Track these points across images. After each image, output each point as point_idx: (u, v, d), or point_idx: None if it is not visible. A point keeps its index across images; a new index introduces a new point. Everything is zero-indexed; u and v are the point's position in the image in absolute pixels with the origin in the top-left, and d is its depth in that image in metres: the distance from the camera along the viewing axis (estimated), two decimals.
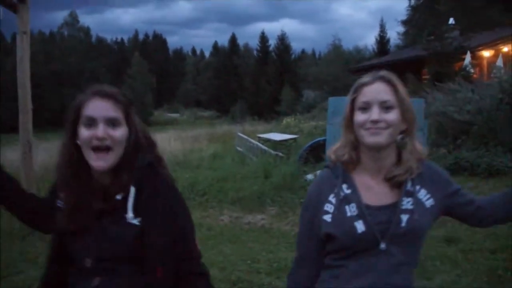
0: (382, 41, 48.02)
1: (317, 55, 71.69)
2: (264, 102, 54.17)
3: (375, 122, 1.44)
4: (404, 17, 35.46)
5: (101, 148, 1.42)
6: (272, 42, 65.30)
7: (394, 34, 50.80)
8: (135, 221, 1.45)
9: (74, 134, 1.47)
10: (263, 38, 65.18)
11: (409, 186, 1.49)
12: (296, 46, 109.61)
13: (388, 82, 1.49)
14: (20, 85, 5.25)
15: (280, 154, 9.84)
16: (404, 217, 1.44)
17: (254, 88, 58.35)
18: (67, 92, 51.44)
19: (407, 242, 1.46)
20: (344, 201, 1.49)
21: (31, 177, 5.34)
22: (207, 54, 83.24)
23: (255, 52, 66.66)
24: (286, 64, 60.45)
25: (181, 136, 17.52)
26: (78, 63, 51.81)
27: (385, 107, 1.46)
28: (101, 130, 1.41)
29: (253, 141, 12.24)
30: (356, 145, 1.53)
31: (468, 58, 14.79)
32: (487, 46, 17.34)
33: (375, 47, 48.18)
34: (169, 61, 77.57)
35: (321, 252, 1.56)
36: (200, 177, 8.20)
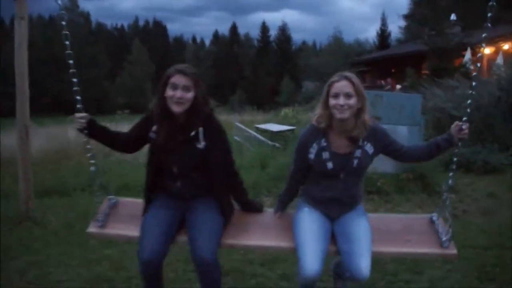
0: (383, 34, 47.95)
1: (317, 47, 71.33)
2: (264, 92, 54.12)
3: (341, 105, 2.45)
4: (405, 11, 35.29)
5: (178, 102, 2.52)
6: (273, 33, 65.14)
7: (396, 28, 50.54)
8: (202, 146, 2.61)
9: (165, 88, 2.54)
10: (264, 28, 65.02)
11: (360, 142, 2.57)
12: (296, 37, 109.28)
13: (350, 80, 2.48)
14: (17, 70, 5.23)
15: (277, 145, 9.87)
16: (355, 161, 2.58)
17: (254, 78, 58.25)
18: (66, 77, 51.26)
19: (355, 175, 2.65)
20: (321, 148, 2.59)
21: (27, 161, 5.35)
22: (207, 42, 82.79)
23: (255, 42, 66.44)
24: (286, 54, 60.34)
25: None
26: (77, 49, 51.50)
27: (348, 96, 2.46)
28: (179, 93, 2.52)
29: (251, 131, 12.26)
30: (330, 116, 2.55)
31: (468, 54, 14.77)
32: (487, 43, 17.30)
33: (376, 40, 48.04)
34: (169, 48, 77.13)
35: (306, 168, 2.70)
36: None
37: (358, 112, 2.52)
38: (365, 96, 2.53)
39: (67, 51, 2.77)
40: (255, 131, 12.44)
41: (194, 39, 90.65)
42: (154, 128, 2.65)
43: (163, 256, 2.57)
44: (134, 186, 6.25)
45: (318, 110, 2.61)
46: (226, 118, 24.23)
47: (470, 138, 8.82)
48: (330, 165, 2.59)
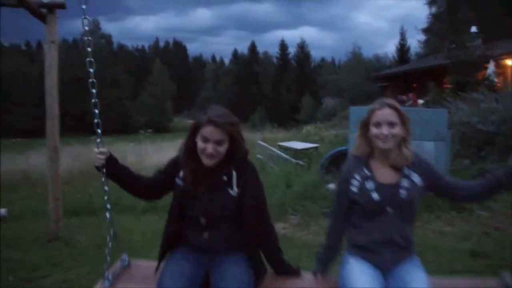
0: (403, 49, 47.60)
1: (336, 63, 71.38)
2: (284, 109, 54.21)
3: (385, 135, 2.27)
4: (424, 25, 35.04)
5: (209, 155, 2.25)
6: (292, 50, 65.41)
7: (415, 42, 50.22)
8: (234, 193, 2.31)
9: (195, 135, 2.29)
10: (283, 46, 65.37)
11: (406, 170, 2.32)
12: (315, 54, 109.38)
13: (393, 107, 2.31)
14: (47, 92, 5.35)
15: (301, 162, 9.82)
16: (403, 192, 2.28)
17: (274, 96, 58.46)
18: (88, 99, 52.31)
19: (405, 209, 2.31)
20: (365, 178, 2.34)
21: (57, 181, 5.44)
22: (226, 61, 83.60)
23: (274, 60, 66.80)
24: (305, 72, 60.44)
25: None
26: (100, 70, 52.57)
27: (391, 124, 2.27)
28: (211, 149, 2.23)
29: (273, 149, 12.23)
30: (370, 144, 2.37)
31: (491, 67, 14.57)
32: (511, 54, 17.08)
33: (395, 55, 47.79)
34: (189, 68, 78.13)
35: (348, 210, 2.40)
36: None
37: (402, 140, 2.31)
38: (409, 124, 2.33)
39: (90, 80, 2.58)
40: (278, 149, 12.42)
41: (213, 58, 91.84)
42: (181, 173, 2.38)
43: None
44: (161, 206, 6.29)
45: (357, 139, 2.42)
46: (248, 136, 24.16)
47: (498, 152, 8.68)
48: (375, 196, 2.29)
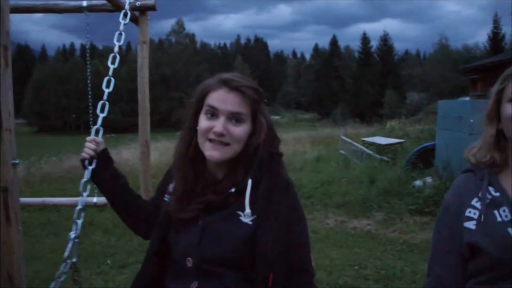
0: (496, 38, 44.58)
1: (421, 56, 68.61)
2: (366, 104, 53.03)
3: None
4: None
5: (217, 142, 1.30)
6: (374, 43, 63.76)
7: (510, 29, 46.88)
8: (248, 220, 1.28)
9: (196, 120, 1.36)
10: (365, 39, 63.87)
11: None
12: (399, 47, 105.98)
13: None
14: (140, 90, 5.61)
15: (386, 158, 9.55)
16: None
17: (356, 91, 57.35)
18: (174, 95, 54.56)
19: None
20: (492, 204, 1.23)
21: (147, 174, 5.72)
22: (307, 56, 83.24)
23: (356, 54, 65.49)
24: (389, 65, 58.65)
25: (282, 138, 17.69)
26: (184, 68, 54.57)
27: None
28: (220, 125, 1.28)
29: (357, 144, 12.01)
30: (501, 143, 1.27)
31: None
32: None
33: (487, 45, 44.91)
34: (270, 64, 78.72)
35: (463, 273, 1.27)
36: (304, 179, 8.21)
37: None
38: None
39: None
40: (361, 144, 12.17)
41: (294, 53, 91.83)
42: (171, 186, 1.46)
43: None
44: None
45: (483, 136, 1.32)
46: (330, 131, 24.07)
47: None
48: None
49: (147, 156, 5.75)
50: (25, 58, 73.05)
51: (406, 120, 20.32)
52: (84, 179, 1.67)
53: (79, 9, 5.33)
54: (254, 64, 69.77)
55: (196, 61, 58.24)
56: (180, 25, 59.83)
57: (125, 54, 64.40)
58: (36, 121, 62.42)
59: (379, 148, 11.23)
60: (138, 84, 5.68)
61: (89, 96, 5.11)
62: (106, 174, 1.61)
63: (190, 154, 1.36)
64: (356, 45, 68.20)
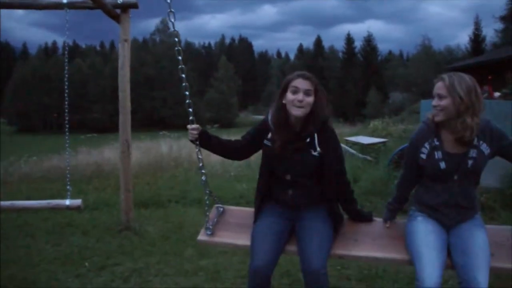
0: (477, 39, 45.17)
1: (404, 57, 69.19)
2: (350, 104, 53.31)
3: (434, 106, 2.47)
4: (502, 13, 32.93)
5: (298, 106, 2.48)
6: (358, 44, 64.11)
7: (491, 31, 47.41)
8: (316, 153, 2.52)
9: (283, 95, 2.54)
10: (349, 39, 64.21)
11: (475, 141, 2.41)
12: (382, 48, 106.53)
13: (444, 81, 2.46)
14: (121, 88, 5.53)
15: (369, 158, 9.56)
16: (470, 161, 2.43)
17: (340, 90, 57.59)
18: (158, 95, 54.20)
19: (470, 176, 2.48)
20: (434, 148, 2.49)
21: (128, 174, 5.62)
22: (292, 56, 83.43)
23: (340, 54, 65.79)
24: (372, 65, 59.03)
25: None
26: (168, 68, 54.23)
27: (440, 97, 2.44)
28: (301, 96, 2.48)
29: (341, 144, 11.99)
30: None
31: None
32: None
33: (468, 46, 45.48)
34: (254, 64, 78.67)
35: (417, 172, 2.60)
36: None
37: (465, 112, 2.35)
38: (471, 95, 2.36)
39: (180, 66, 2.73)
40: (344, 143, 12.17)
41: (278, 53, 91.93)
42: (269, 135, 2.62)
43: (273, 266, 2.50)
44: (228, 199, 6.38)
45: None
46: None
47: None
48: (442, 165, 2.46)
49: (128, 156, 5.66)
50: (6, 56, 71.72)
51: (389, 120, 20.42)
52: (197, 150, 2.75)
53: (59, 6, 5.21)
54: (239, 64, 69.75)
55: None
56: (165, 24, 59.40)
57: (109, 53, 63.95)
58: (17, 120, 61.44)
59: (362, 148, 11.23)
60: (119, 83, 5.58)
61: (66, 95, 5.00)
62: (207, 141, 2.72)
63: (282, 119, 2.55)
64: (340, 45, 68.49)
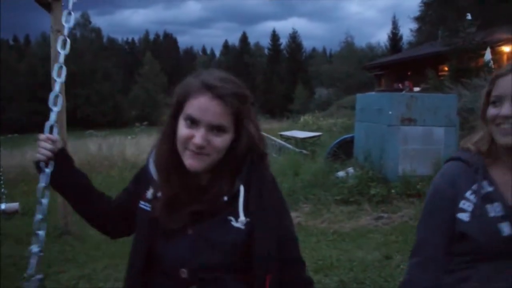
0: (395, 38, 47.52)
1: (328, 53, 71.28)
2: (276, 100, 54.10)
3: (505, 117, 1.26)
4: (416, 14, 35.02)
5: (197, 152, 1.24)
6: (283, 41, 65.21)
7: (406, 31, 50.11)
8: (240, 224, 1.26)
9: (175, 123, 1.28)
10: (274, 36, 65.11)
11: None
12: (305, 45, 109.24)
13: None
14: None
15: (305, 152, 9.75)
16: None
17: (266, 87, 58.31)
18: (81, 93, 51.76)
19: None
20: (486, 199, 1.31)
21: None
22: (217, 53, 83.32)
23: (266, 51, 66.58)
24: (297, 62, 60.32)
25: None
26: (90, 63, 52.08)
27: None
28: (200, 137, 1.21)
29: (275, 139, 12.14)
30: (491, 138, 1.34)
31: (488, 53, 14.56)
32: (507, 41, 17.11)
33: (387, 44, 47.74)
34: (180, 60, 77.59)
35: (448, 255, 1.37)
36: None
37: None
38: None
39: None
40: (279, 138, 12.33)
41: (204, 50, 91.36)
42: (149, 192, 1.35)
43: None
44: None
45: (479, 134, 1.41)
46: None
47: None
48: (507, 228, 1.27)
49: None
50: None
51: (319, 114, 20.98)
52: (42, 184, 1.47)
53: None
54: (164, 60, 68.35)
55: (103, 57, 55.85)
56: (85, 19, 56.96)
57: (23, 47, 60.22)
58: None
59: (297, 142, 11.45)
60: (52, 78, 5.23)
61: None
62: (66, 176, 1.48)
63: (172, 159, 1.28)
64: (265, 42, 69.39)
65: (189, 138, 1.22)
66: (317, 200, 6.33)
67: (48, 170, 1.45)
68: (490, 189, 1.32)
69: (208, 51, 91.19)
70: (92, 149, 12.41)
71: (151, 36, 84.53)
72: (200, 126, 1.22)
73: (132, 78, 60.97)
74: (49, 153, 1.45)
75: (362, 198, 6.14)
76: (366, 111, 7.66)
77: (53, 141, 1.47)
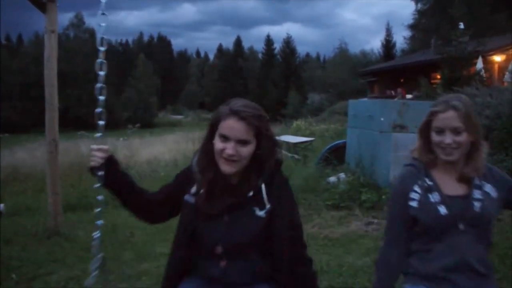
0: (388, 45, 47.77)
1: (321, 59, 71.58)
2: (269, 104, 54.08)
3: (448, 144, 1.84)
4: (410, 22, 35.31)
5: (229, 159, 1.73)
6: (277, 46, 65.35)
7: (400, 38, 50.48)
8: (262, 214, 1.77)
9: (213, 134, 1.78)
10: (269, 41, 65.26)
11: (477, 181, 1.90)
12: (299, 50, 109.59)
13: (459, 111, 1.83)
14: (47, 83, 5.19)
15: (297, 156, 9.76)
16: (476, 203, 1.85)
17: (259, 91, 58.35)
18: (72, 92, 51.48)
19: (480, 224, 1.86)
20: (427, 190, 1.90)
21: (55, 176, 5.28)
22: (211, 56, 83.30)
23: (260, 55, 66.68)
24: (291, 67, 60.43)
25: (189, 137, 17.46)
26: (83, 64, 51.86)
27: (456, 132, 1.83)
28: (231, 149, 1.70)
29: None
30: (431, 149, 1.93)
31: (480, 62, 14.70)
32: (498, 50, 17.31)
33: (381, 51, 47.97)
34: (173, 63, 77.54)
35: (408, 235, 1.95)
36: None
37: (474, 149, 1.89)
38: (479, 128, 1.89)
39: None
40: None
41: (198, 53, 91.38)
42: (193, 189, 1.83)
43: None
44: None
45: (417, 142, 2.00)
46: None
47: (493, 146, 8.72)
48: (442, 209, 1.85)
49: (55, 156, 5.31)
50: None
51: (311, 120, 21.03)
52: (97, 185, 1.85)
53: None
54: (158, 62, 68.34)
55: (96, 57, 55.55)
56: (79, 19, 56.71)
57: (16, 47, 59.91)
58: None
59: (289, 147, 11.45)
60: (46, 77, 5.22)
61: None
62: (116, 177, 1.87)
63: (210, 164, 1.78)
64: (259, 46, 69.41)
65: (223, 149, 1.72)
66: (308, 205, 6.34)
67: (100, 173, 1.83)
68: (430, 183, 1.92)
69: (202, 54, 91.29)
70: (84, 150, 12.33)
71: (145, 38, 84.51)
72: (231, 140, 1.71)
73: (125, 80, 60.77)
74: (100, 160, 1.84)
75: (353, 204, 6.16)
76: (358, 117, 7.70)
77: (104, 150, 1.86)
